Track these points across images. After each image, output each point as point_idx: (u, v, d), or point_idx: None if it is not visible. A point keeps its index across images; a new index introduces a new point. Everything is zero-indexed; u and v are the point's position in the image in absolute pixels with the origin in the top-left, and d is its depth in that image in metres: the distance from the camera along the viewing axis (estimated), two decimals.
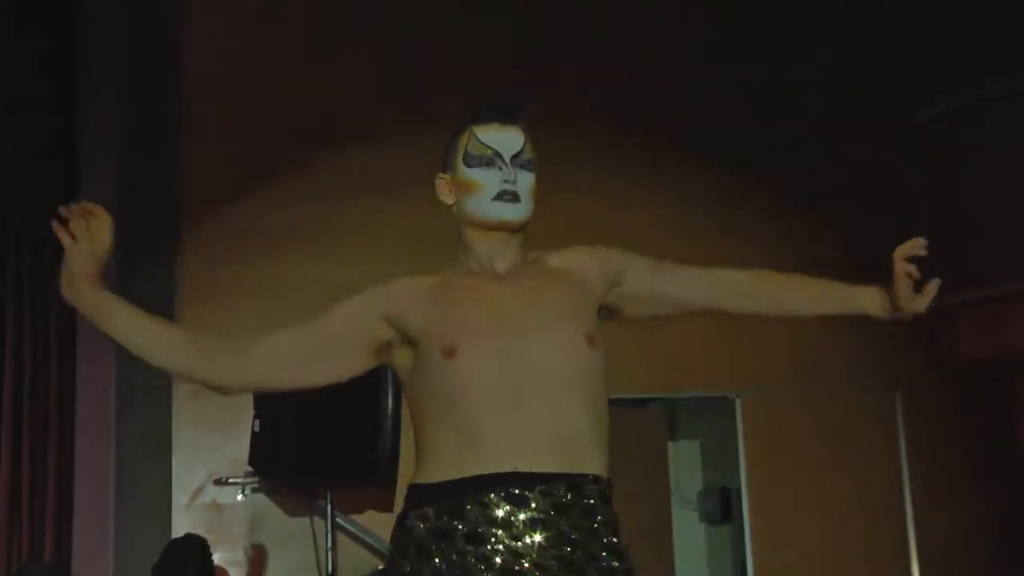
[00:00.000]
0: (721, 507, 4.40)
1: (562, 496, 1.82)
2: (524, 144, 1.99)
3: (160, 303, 4.05)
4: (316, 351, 1.96)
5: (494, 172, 1.97)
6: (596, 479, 1.85)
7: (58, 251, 1.79)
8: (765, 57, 4.39)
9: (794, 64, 4.43)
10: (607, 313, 2.01)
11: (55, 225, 1.86)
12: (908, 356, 4.30)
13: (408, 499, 1.85)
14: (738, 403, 4.12)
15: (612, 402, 4.03)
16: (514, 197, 1.95)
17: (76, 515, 4.07)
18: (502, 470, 1.80)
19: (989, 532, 4.31)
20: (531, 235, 2.00)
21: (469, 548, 1.79)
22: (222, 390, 1.97)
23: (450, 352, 1.87)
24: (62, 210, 1.86)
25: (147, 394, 4.01)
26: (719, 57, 4.39)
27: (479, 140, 2.00)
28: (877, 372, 4.24)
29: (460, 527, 1.80)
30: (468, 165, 1.99)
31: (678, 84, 4.33)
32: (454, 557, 1.80)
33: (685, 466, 4.54)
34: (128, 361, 3.86)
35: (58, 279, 1.80)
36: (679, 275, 2.05)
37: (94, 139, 4.24)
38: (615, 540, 1.84)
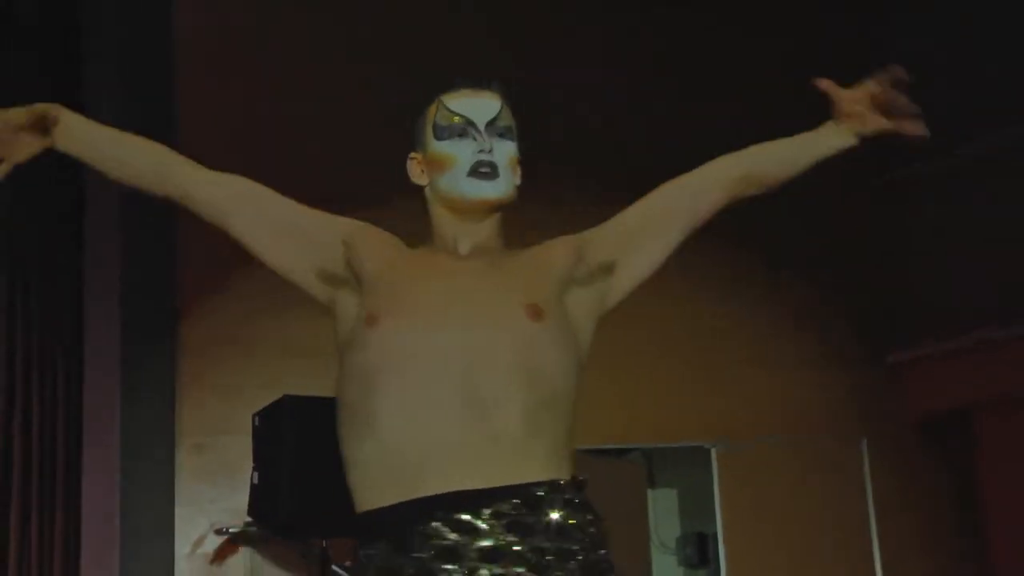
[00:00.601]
0: (699, 552, 4.58)
1: (517, 515, 1.53)
2: (500, 109, 1.76)
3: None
4: (275, 222, 1.78)
5: (467, 143, 1.74)
6: (555, 485, 1.57)
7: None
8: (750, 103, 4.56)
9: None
10: (601, 277, 1.75)
11: None
12: (874, 406, 4.50)
13: (357, 529, 1.62)
14: (713, 453, 4.30)
15: (591, 452, 4.22)
16: (492, 169, 1.72)
17: (83, 565, 4.22)
18: (439, 490, 1.53)
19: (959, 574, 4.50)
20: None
21: None
22: (169, 191, 1.79)
23: (372, 319, 1.66)
24: None
25: (150, 447, 4.18)
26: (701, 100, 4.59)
27: (448, 108, 1.76)
28: (845, 422, 4.44)
29: (408, 570, 1.53)
30: (438, 138, 1.76)
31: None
32: None
33: (664, 513, 4.72)
34: (132, 417, 4.08)
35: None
36: (653, 202, 1.81)
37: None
38: (602, 553, 1.58)
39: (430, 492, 1.53)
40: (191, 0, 4.45)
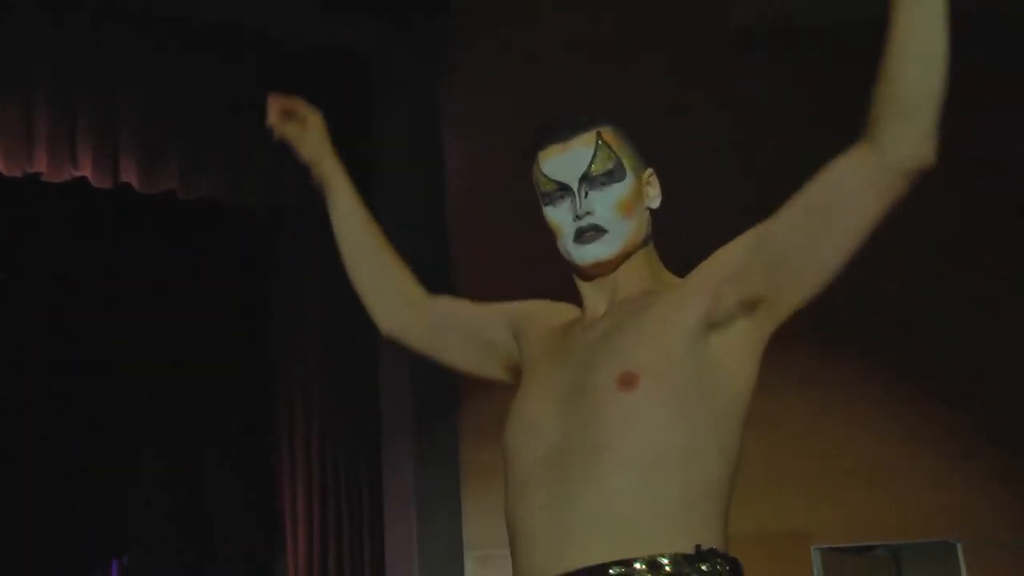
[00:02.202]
0: None
1: None
2: (594, 155, 1.62)
3: None
4: (468, 331, 1.80)
5: (567, 206, 1.64)
6: (654, 564, 1.41)
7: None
8: None
9: None
10: (747, 311, 1.56)
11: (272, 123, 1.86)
12: None
13: None
14: (959, 548, 4.47)
15: (840, 551, 4.49)
16: (596, 231, 1.62)
17: None
18: (545, 570, 1.47)
19: None
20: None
21: None
22: (377, 322, 1.85)
23: (513, 406, 1.65)
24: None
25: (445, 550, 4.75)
26: None
27: (542, 173, 1.66)
28: None
29: None
30: (544, 204, 1.68)
31: None
32: None
33: None
34: (426, 519, 4.61)
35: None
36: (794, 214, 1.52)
37: None
38: None
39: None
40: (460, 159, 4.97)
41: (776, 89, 4.79)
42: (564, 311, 1.76)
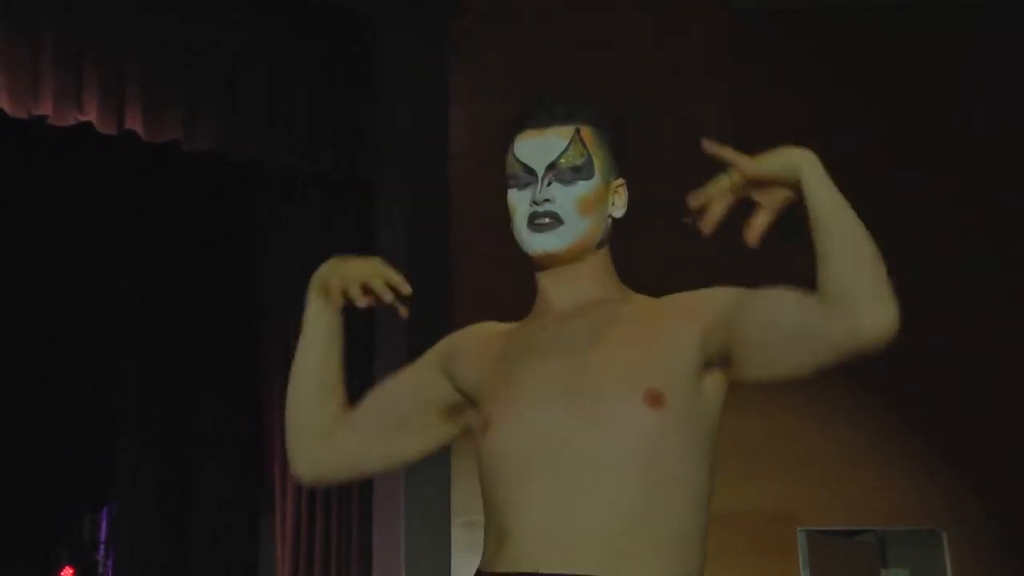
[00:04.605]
0: None
1: None
2: (567, 147, 1.59)
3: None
4: (387, 427, 1.71)
5: (528, 193, 1.61)
6: None
7: None
8: None
9: None
10: (724, 360, 1.54)
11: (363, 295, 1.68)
12: None
13: None
14: (944, 536, 4.51)
15: (827, 533, 4.55)
16: (552, 219, 1.58)
17: None
18: (524, 570, 1.46)
19: None
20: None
21: None
22: (295, 465, 1.72)
23: (484, 427, 1.58)
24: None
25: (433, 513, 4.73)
26: None
27: (514, 154, 1.64)
28: None
29: None
30: (509, 186, 1.64)
31: None
32: None
33: None
34: (415, 484, 4.57)
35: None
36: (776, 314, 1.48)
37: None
38: None
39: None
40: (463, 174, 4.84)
41: (780, 71, 4.80)
42: (488, 330, 1.73)
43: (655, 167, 3.89)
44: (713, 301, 1.55)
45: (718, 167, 1.50)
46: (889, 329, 1.37)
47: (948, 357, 4.57)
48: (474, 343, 1.70)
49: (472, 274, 4.59)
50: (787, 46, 4.85)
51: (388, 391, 1.74)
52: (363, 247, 4.74)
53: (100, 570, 6.73)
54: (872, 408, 4.54)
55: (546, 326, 1.63)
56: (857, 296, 1.37)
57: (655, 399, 1.48)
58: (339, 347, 1.73)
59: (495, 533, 1.55)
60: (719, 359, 1.54)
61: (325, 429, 1.72)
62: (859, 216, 1.44)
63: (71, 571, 6.68)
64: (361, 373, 4.68)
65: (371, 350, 4.65)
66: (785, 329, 1.44)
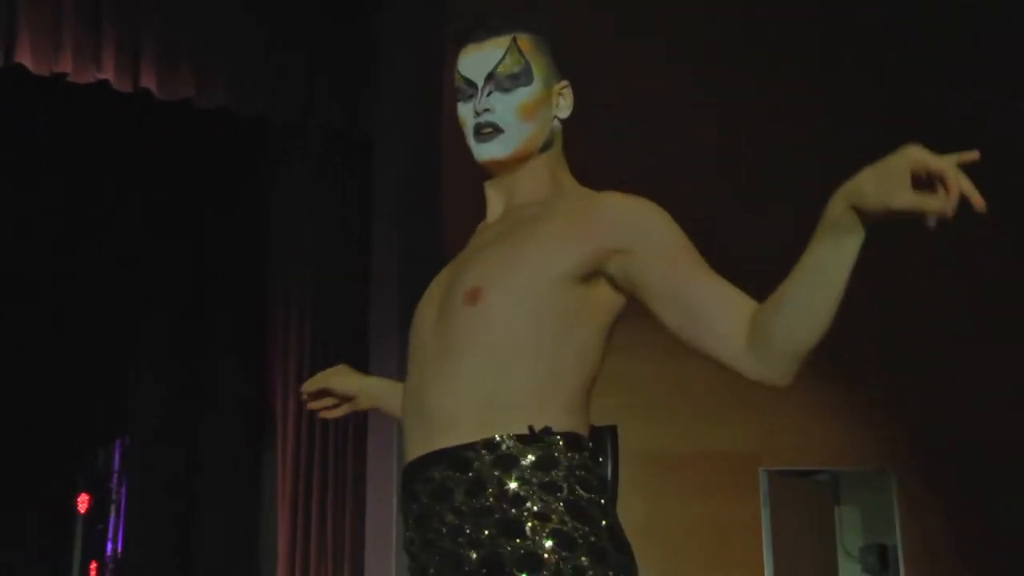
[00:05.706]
0: (880, 561, 5.11)
1: (441, 479, 1.50)
2: (503, 57, 1.63)
3: None
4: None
5: (471, 105, 1.66)
6: (489, 444, 1.48)
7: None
8: None
9: None
10: (614, 285, 1.60)
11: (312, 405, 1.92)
12: None
13: None
14: (893, 477, 4.80)
15: (786, 473, 4.81)
16: (493, 128, 1.63)
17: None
18: (409, 458, 1.57)
19: None
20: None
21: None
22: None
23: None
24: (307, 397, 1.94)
25: None
26: None
27: (458, 70, 1.68)
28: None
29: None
30: (458, 101, 1.69)
31: None
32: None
33: (848, 526, 5.23)
34: None
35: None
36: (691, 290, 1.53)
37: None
38: (515, 512, 1.45)
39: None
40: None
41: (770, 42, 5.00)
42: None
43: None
44: (623, 233, 1.57)
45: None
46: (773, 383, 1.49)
47: (901, 308, 4.82)
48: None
49: (464, 224, 4.82)
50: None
51: None
52: (362, 201, 5.05)
53: (113, 496, 7.12)
54: (830, 357, 4.79)
55: (477, 234, 1.74)
56: (785, 362, 1.47)
57: (473, 295, 1.55)
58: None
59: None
60: (608, 278, 1.59)
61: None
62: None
63: (87, 497, 7.09)
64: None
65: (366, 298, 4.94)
66: (686, 317, 1.53)
